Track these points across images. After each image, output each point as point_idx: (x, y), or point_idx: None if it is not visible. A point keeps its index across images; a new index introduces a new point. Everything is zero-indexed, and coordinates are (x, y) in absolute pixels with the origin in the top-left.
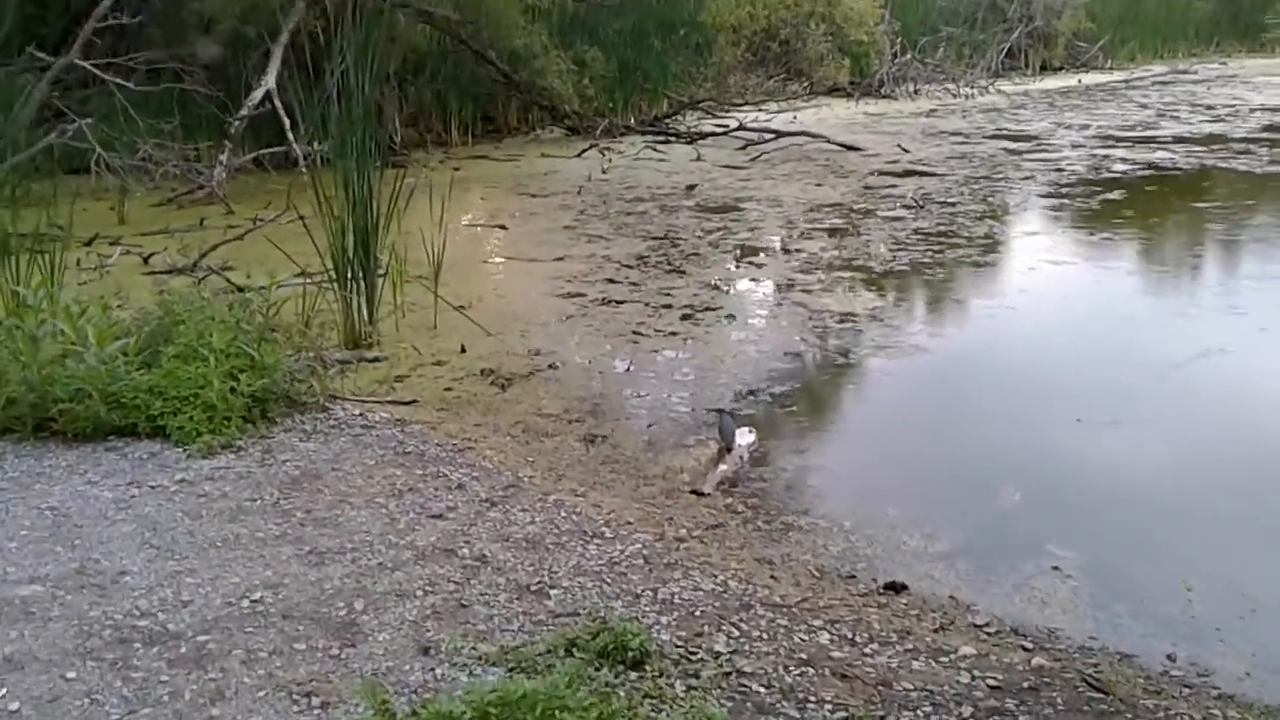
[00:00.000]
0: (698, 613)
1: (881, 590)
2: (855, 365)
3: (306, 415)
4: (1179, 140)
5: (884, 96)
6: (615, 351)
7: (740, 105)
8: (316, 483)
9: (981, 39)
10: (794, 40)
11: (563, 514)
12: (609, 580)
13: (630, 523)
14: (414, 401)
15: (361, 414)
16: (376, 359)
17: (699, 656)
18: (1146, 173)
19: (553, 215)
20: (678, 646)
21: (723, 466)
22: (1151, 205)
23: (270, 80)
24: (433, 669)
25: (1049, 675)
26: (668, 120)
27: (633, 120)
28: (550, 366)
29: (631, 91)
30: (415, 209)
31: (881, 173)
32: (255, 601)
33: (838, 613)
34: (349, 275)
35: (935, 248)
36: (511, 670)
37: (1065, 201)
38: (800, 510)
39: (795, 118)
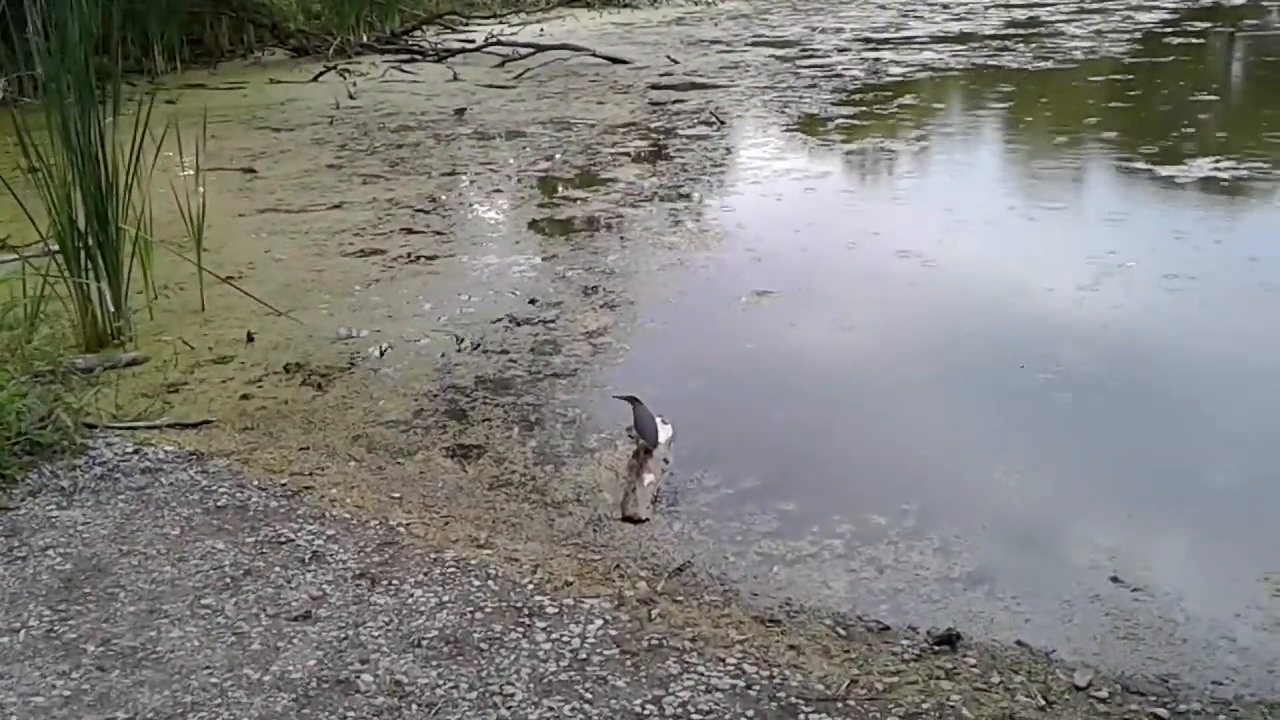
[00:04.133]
0: None
1: (934, 648)
2: (747, 315)
3: (58, 463)
4: (937, 40)
5: (626, 5)
6: (449, 323)
7: (481, 19)
8: (102, 582)
9: None
10: None
11: (475, 582)
12: (590, 696)
13: (570, 582)
14: (206, 422)
15: (137, 450)
16: (134, 361)
17: None
18: (926, 74)
19: (309, 153)
20: None
21: (649, 476)
22: (943, 107)
23: None
24: None
25: None
26: (406, 37)
27: (365, 38)
28: (375, 353)
29: (361, 6)
30: (130, 152)
31: (661, 87)
32: None
33: (908, 698)
34: (82, 251)
35: (755, 167)
36: None
37: (864, 109)
38: (767, 529)
39: (543, 30)
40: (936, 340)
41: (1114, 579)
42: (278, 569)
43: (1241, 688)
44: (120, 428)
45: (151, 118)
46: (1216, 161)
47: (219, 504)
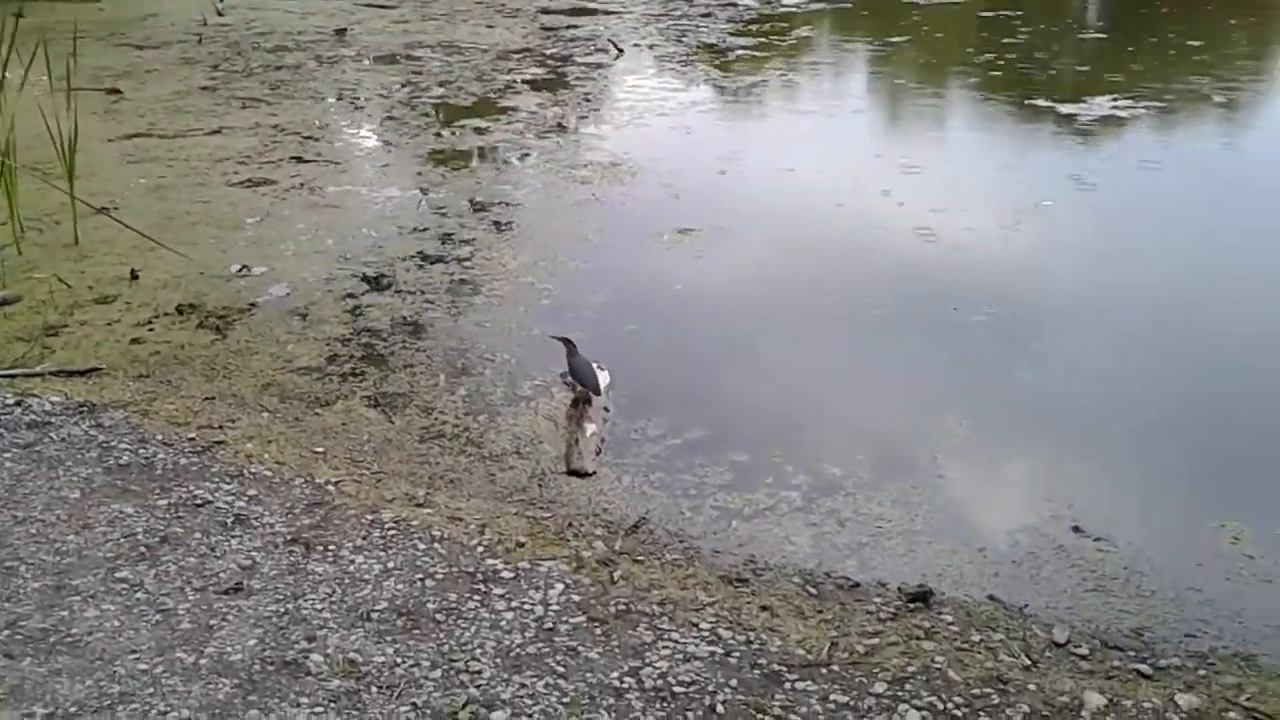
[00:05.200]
0: (718, 706)
1: (908, 605)
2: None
3: None
4: None
5: None
6: (355, 261)
7: None
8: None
9: None
10: None
11: (420, 545)
12: (563, 670)
13: (523, 544)
14: (95, 370)
15: (19, 401)
16: (5, 301)
17: None
18: (820, 5)
19: (178, 74)
20: None
21: (591, 427)
22: (842, 41)
23: None
24: None
25: None
26: None
27: None
28: (278, 292)
29: None
30: None
31: (550, 11)
32: None
33: (892, 661)
34: None
35: (659, 99)
36: None
37: (762, 40)
38: (720, 481)
39: None
40: (865, 280)
41: (1075, 529)
42: (198, 535)
43: (1214, 640)
44: None
45: (3, 33)
46: (1113, 100)
47: (120, 462)
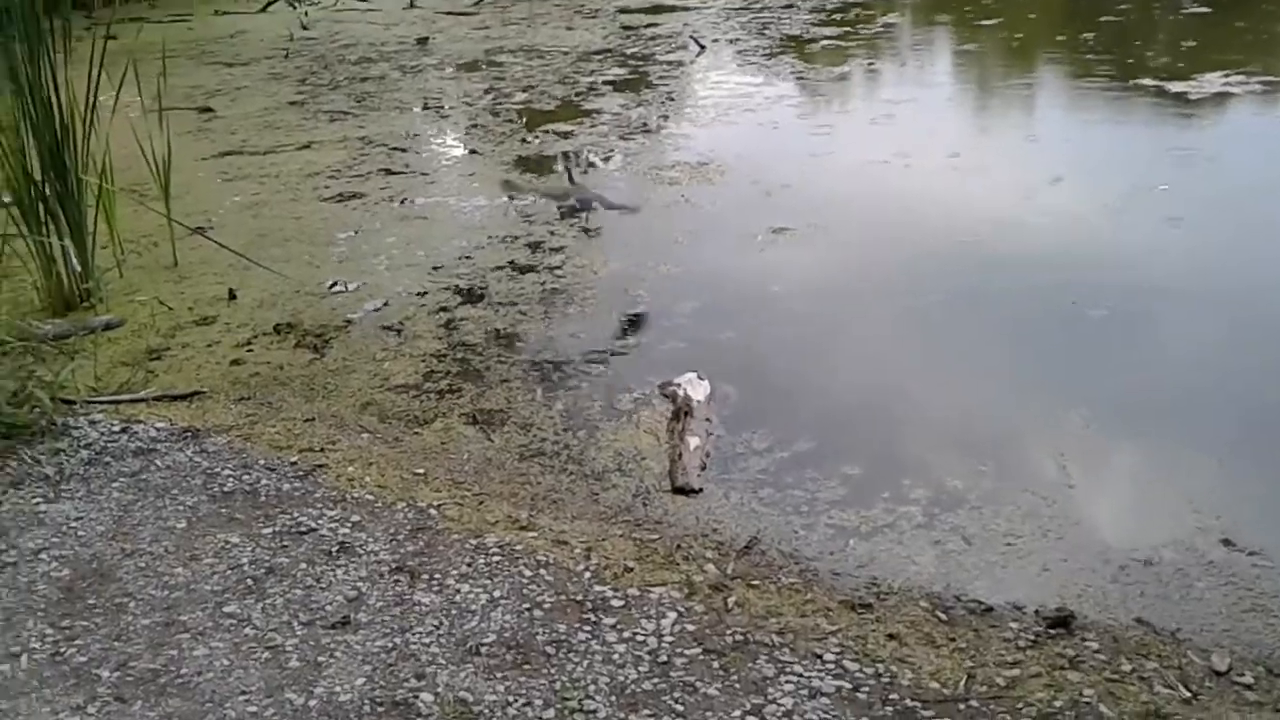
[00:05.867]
0: None
1: (1048, 631)
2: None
3: (38, 447)
4: None
5: None
6: (447, 273)
7: None
8: (108, 590)
9: None
10: None
11: (526, 572)
12: (681, 708)
13: (631, 568)
14: (197, 393)
15: (125, 428)
16: (109, 325)
17: None
18: None
19: (268, 89)
20: None
21: (694, 440)
22: (931, 26)
23: None
24: None
25: None
26: None
27: None
28: (372, 308)
29: None
30: (80, 94)
31: (630, 10)
32: None
33: (1036, 694)
34: (41, 205)
35: (745, 95)
36: None
37: (848, 29)
38: (834, 497)
39: None
40: (976, 277)
41: (1226, 542)
42: (304, 565)
43: None
44: (103, 402)
45: (95, 55)
46: (1225, 76)
47: (225, 489)
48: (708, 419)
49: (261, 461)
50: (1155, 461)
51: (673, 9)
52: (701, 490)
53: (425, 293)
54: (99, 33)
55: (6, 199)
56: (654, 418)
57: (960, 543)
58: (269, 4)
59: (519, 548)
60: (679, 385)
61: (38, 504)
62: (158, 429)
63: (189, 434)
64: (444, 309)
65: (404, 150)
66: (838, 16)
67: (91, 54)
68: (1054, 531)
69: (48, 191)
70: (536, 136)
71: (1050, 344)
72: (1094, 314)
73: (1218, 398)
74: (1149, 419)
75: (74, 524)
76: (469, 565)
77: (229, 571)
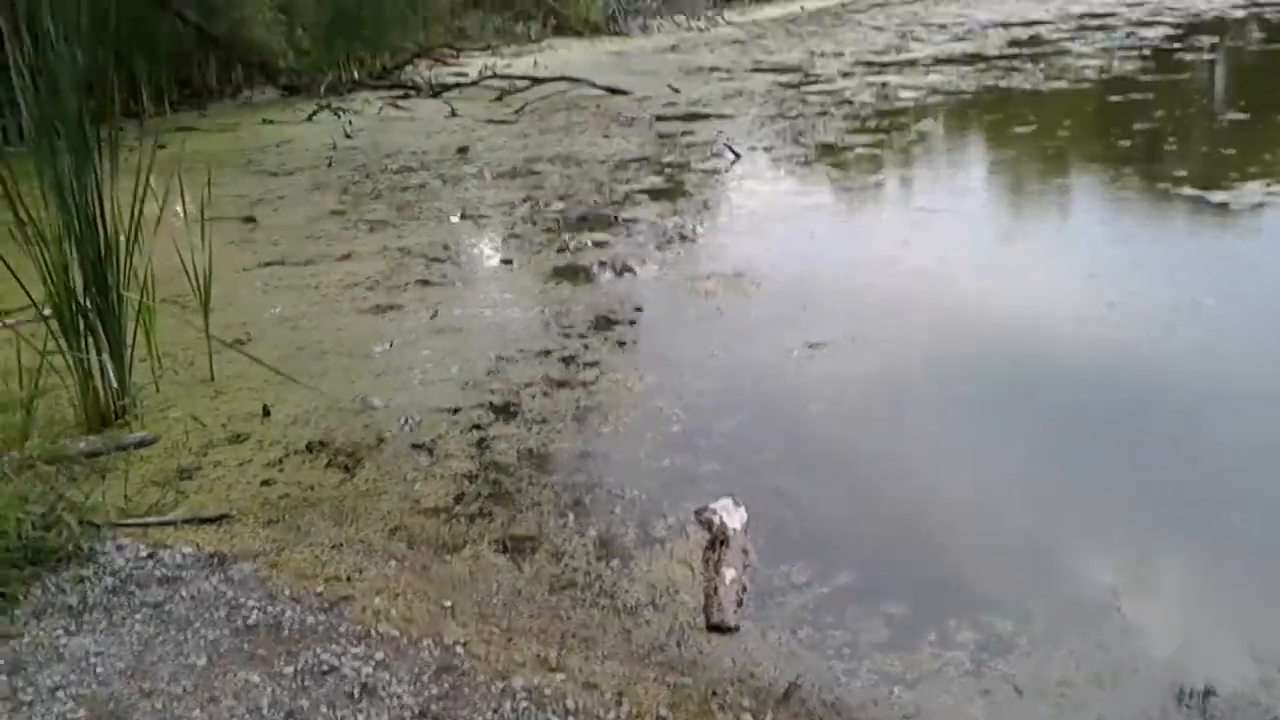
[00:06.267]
0: None
1: None
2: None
3: (63, 574)
4: (940, 61)
5: (616, 34)
6: (481, 387)
7: (471, 51)
8: None
9: None
10: None
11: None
12: None
13: (664, 717)
14: (225, 517)
15: (151, 553)
16: (142, 442)
17: None
18: (938, 98)
19: (309, 198)
20: None
21: (730, 573)
22: (965, 133)
23: None
24: None
25: None
26: (399, 72)
27: (357, 74)
28: (404, 426)
29: (351, 41)
30: (125, 203)
31: (665, 118)
32: None
33: None
34: (81, 321)
35: (780, 203)
36: None
37: (882, 137)
38: (877, 638)
39: (537, 62)
40: (1020, 396)
41: None
42: (324, 709)
43: None
44: (131, 524)
45: (143, 164)
46: (1267, 185)
47: (249, 622)
48: (744, 549)
49: (287, 591)
50: (1218, 600)
51: (708, 116)
52: (738, 628)
53: (458, 409)
54: (149, 142)
55: (46, 311)
56: (689, 547)
57: (1011, 693)
58: (314, 113)
59: (547, 692)
60: (715, 511)
61: (59, 636)
62: (184, 554)
63: (215, 560)
64: (477, 426)
65: (441, 261)
66: (872, 124)
67: (140, 164)
68: (1109, 680)
69: (88, 306)
70: (573, 247)
71: (1099, 467)
72: (1148, 437)
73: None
74: (1211, 553)
75: (93, 659)
76: (494, 711)
77: (247, 715)
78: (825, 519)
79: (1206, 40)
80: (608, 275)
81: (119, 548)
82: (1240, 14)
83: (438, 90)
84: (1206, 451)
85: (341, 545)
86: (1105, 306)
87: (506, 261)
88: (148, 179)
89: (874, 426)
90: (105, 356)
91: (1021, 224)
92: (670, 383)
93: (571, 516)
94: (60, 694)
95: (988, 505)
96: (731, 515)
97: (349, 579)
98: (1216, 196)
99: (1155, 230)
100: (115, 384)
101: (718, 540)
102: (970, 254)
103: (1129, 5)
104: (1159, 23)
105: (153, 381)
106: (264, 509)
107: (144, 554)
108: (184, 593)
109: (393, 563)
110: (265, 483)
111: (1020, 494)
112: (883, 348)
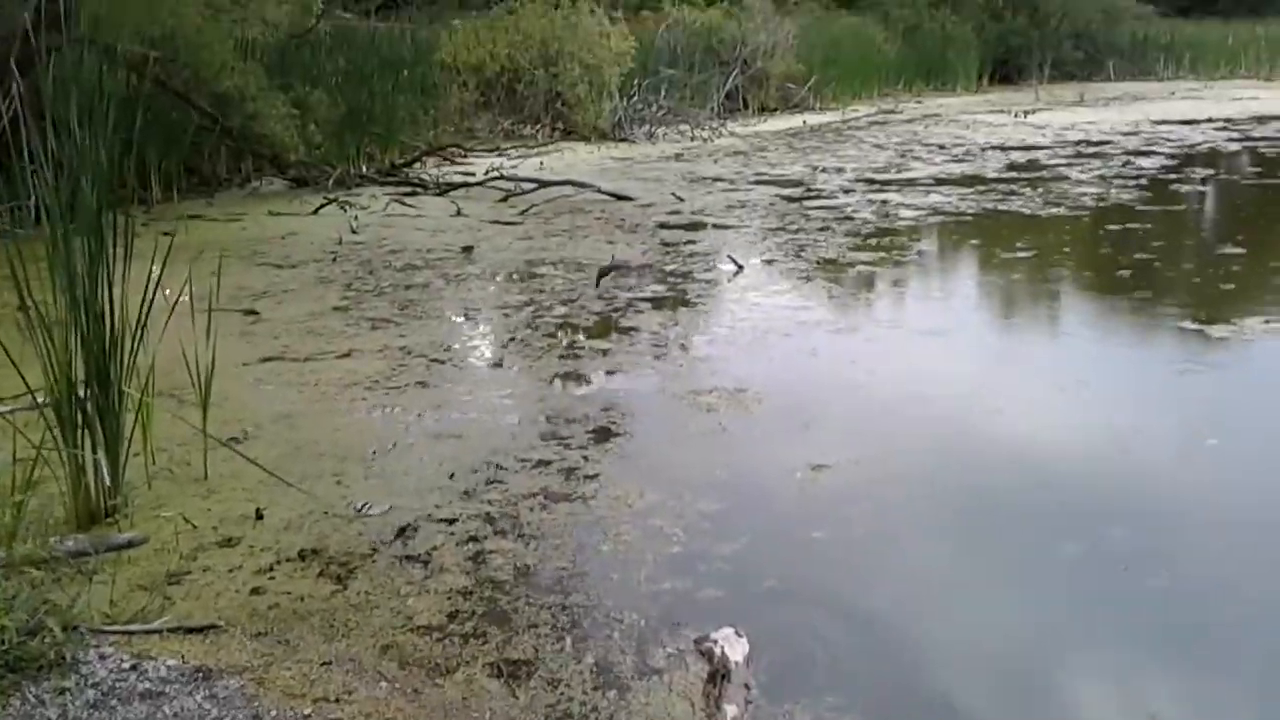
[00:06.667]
0: None
1: None
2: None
3: (44, 684)
4: (940, 182)
5: (622, 140)
6: (478, 497)
7: (479, 151)
8: None
9: (700, 80)
10: (531, 83)
11: None
12: None
13: None
14: (211, 627)
15: (135, 664)
16: (131, 543)
17: None
18: (939, 219)
19: (313, 293)
20: None
21: (731, 709)
22: (966, 255)
23: None
24: None
25: None
26: (407, 169)
27: (365, 169)
28: (398, 535)
29: (362, 137)
30: (130, 292)
31: (669, 226)
32: None
33: None
34: (79, 413)
35: (782, 318)
36: None
37: (883, 255)
38: None
39: (543, 164)
40: (1026, 526)
41: None
42: None
43: None
44: (115, 632)
45: (150, 251)
46: (1267, 321)
47: None
48: (746, 685)
49: (274, 712)
50: None
51: (711, 226)
52: None
53: (455, 519)
54: (158, 228)
55: (42, 399)
56: (688, 679)
57: None
58: (321, 206)
59: None
60: (716, 642)
61: None
62: (169, 667)
63: (200, 674)
64: (473, 539)
65: (442, 362)
66: (873, 242)
67: (154, 251)
68: None
69: (87, 401)
70: (574, 353)
71: (1109, 611)
72: (1151, 583)
73: None
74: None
75: None
76: None
77: None
78: (831, 653)
79: (1201, 172)
80: (609, 384)
81: (102, 657)
82: (1234, 146)
83: (444, 188)
84: (1215, 601)
85: (331, 663)
86: (1104, 438)
87: (507, 366)
88: (161, 272)
89: (880, 557)
90: (100, 455)
91: (1024, 350)
92: (671, 501)
93: (568, 640)
94: None
95: (999, 643)
96: (733, 647)
97: (338, 700)
98: (1216, 331)
99: (1156, 364)
100: (109, 482)
101: (718, 674)
102: (973, 379)
103: (1124, 135)
104: (1154, 152)
105: (146, 479)
106: (252, 620)
107: (127, 665)
108: (167, 710)
109: (383, 684)
110: (255, 591)
111: (1030, 634)
112: (883, 471)
